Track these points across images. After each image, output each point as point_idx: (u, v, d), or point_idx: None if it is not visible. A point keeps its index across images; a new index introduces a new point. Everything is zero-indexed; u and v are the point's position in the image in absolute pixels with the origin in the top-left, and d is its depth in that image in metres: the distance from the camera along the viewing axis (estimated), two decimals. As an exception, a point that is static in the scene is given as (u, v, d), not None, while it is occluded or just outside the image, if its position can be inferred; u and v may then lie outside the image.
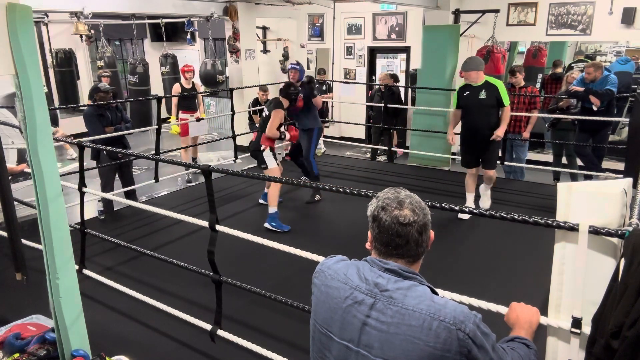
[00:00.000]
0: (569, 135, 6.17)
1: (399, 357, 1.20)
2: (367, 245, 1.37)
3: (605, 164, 6.76)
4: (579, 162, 6.21)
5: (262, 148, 4.89)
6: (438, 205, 2.00)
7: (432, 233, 1.33)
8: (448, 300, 1.26)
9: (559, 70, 7.87)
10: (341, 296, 1.31)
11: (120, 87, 8.75)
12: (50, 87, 9.11)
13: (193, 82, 7.31)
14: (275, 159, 4.97)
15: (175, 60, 8.72)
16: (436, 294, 1.29)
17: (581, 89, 5.56)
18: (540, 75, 7.88)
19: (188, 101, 7.11)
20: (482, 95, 4.72)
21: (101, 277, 3.53)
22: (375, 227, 1.31)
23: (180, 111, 7.09)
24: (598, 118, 5.56)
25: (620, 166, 6.39)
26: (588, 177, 6.05)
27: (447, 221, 4.79)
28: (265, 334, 3.06)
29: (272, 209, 4.74)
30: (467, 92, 4.82)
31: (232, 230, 2.73)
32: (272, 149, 4.91)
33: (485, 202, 5.17)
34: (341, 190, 2.25)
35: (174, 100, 7.06)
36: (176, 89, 7.16)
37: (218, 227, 2.73)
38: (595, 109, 5.50)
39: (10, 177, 2.55)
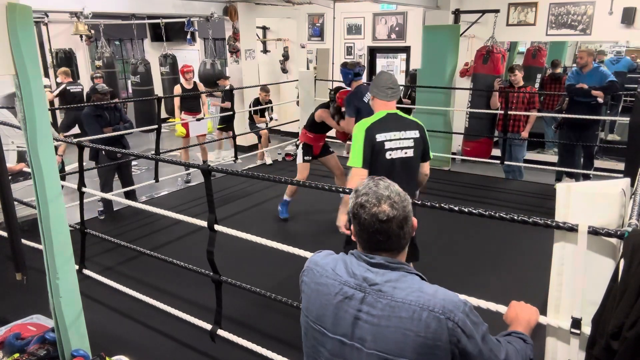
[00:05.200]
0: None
1: (392, 349, 1.21)
2: (353, 237, 1.37)
3: (605, 164, 6.77)
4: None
5: (297, 142, 5.24)
6: (438, 205, 2.01)
7: (414, 221, 1.32)
8: (438, 288, 1.26)
9: (558, 70, 7.87)
10: (331, 292, 1.32)
11: (117, 88, 8.73)
12: (50, 87, 9.11)
13: (195, 82, 7.25)
14: (306, 155, 5.07)
15: (174, 60, 8.72)
16: (425, 281, 1.30)
17: (585, 86, 5.50)
18: (539, 76, 7.87)
19: (190, 102, 7.03)
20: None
21: (101, 277, 3.53)
22: (356, 224, 1.31)
23: (182, 112, 7.03)
24: (600, 118, 5.55)
25: (620, 166, 6.38)
26: (586, 177, 6.04)
27: (447, 221, 4.79)
28: (265, 334, 3.06)
29: (285, 197, 5.19)
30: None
31: (230, 230, 2.73)
32: (306, 145, 5.02)
33: None
34: (340, 190, 2.25)
35: (176, 102, 6.99)
36: (177, 90, 7.09)
37: (217, 227, 2.73)
38: (601, 101, 5.47)
39: (10, 177, 2.55)
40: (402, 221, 1.27)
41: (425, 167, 2.99)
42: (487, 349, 1.24)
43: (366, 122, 2.76)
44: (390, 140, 2.73)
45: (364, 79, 9.29)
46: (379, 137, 2.70)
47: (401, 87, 7.84)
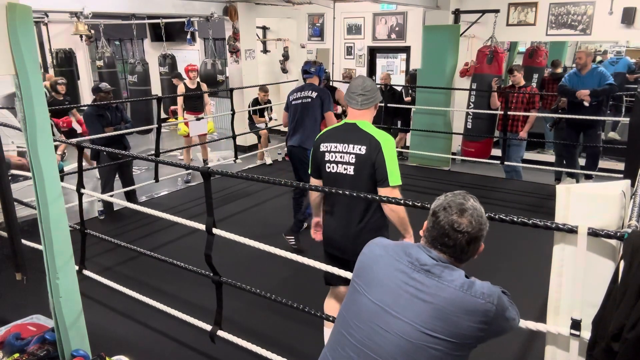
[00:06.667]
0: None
1: (430, 324, 1.33)
2: (421, 232, 1.51)
3: (605, 163, 6.76)
4: (580, 162, 6.18)
5: None
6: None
7: (482, 245, 1.46)
8: (476, 279, 1.42)
9: (559, 70, 7.86)
10: (385, 263, 1.46)
11: (119, 87, 8.72)
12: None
13: (198, 82, 7.25)
14: None
15: (174, 60, 8.71)
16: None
17: (587, 91, 5.45)
18: (536, 76, 7.87)
19: (193, 102, 7.04)
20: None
21: (101, 278, 3.53)
22: (431, 221, 1.45)
23: (185, 112, 7.04)
24: (598, 118, 5.54)
25: (620, 166, 6.38)
26: (588, 177, 6.03)
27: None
28: (265, 335, 3.07)
29: None
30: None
31: (229, 234, 2.70)
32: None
33: None
34: (340, 192, 2.24)
35: (179, 101, 7.00)
36: (180, 89, 7.10)
37: (215, 231, 2.70)
38: (586, 104, 5.45)
39: (10, 177, 2.55)
40: (472, 239, 1.41)
41: (382, 192, 2.38)
42: (510, 315, 1.45)
43: (324, 130, 2.64)
44: (331, 151, 2.49)
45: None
46: (322, 147, 2.53)
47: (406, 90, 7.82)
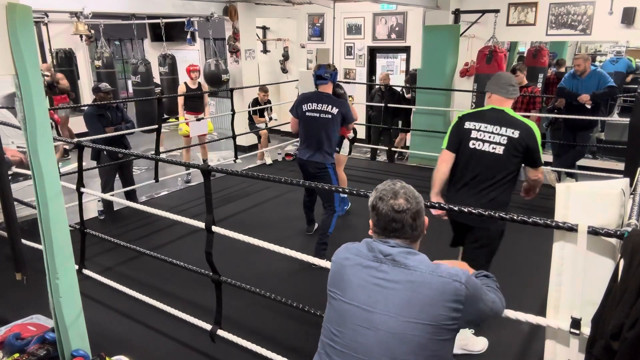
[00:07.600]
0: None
1: (403, 312, 1.38)
2: (370, 232, 1.57)
3: (605, 163, 6.76)
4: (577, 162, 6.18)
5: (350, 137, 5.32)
6: (437, 205, 2.00)
7: (426, 219, 1.55)
8: (442, 263, 1.49)
9: (562, 69, 7.86)
10: (352, 264, 1.52)
11: (117, 87, 8.71)
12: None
13: (199, 83, 7.23)
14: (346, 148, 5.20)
15: (174, 60, 8.71)
16: None
17: (587, 96, 5.45)
18: (541, 75, 7.88)
19: (194, 102, 7.01)
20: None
21: (101, 277, 3.53)
22: (374, 215, 1.52)
23: (185, 112, 7.02)
24: (594, 117, 5.55)
25: (620, 166, 6.38)
26: (570, 175, 6.03)
27: (447, 222, 4.78)
28: (265, 334, 3.07)
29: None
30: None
31: (228, 232, 2.71)
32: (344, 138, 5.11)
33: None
34: (340, 190, 2.25)
35: (180, 101, 6.98)
36: (181, 89, 7.08)
37: (214, 229, 2.71)
38: (588, 107, 5.48)
39: (10, 177, 2.55)
40: (415, 214, 1.49)
41: (532, 173, 2.81)
42: (487, 297, 1.50)
43: (465, 111, 2.91)
44: (479, 130, 2.73)
45: (364, 78, 9.26)
46: (467, 124, 2.77)
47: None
